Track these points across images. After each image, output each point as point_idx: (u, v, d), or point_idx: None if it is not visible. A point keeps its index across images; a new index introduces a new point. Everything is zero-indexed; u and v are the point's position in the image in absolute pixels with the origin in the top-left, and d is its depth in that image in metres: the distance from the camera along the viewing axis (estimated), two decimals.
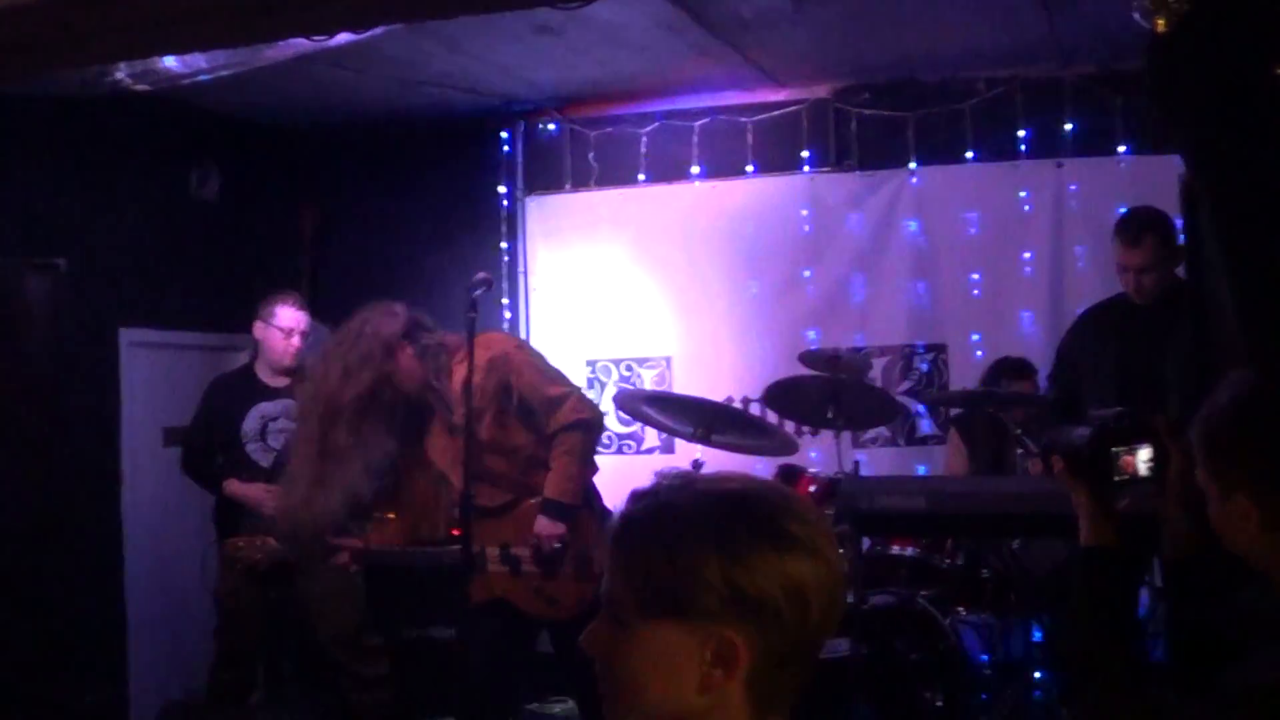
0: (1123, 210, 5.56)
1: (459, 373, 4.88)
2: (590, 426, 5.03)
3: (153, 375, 7.73)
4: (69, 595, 6.15)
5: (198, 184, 8.02)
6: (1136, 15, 3.29)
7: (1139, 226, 5.30)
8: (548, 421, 4.95)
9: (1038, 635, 5.94)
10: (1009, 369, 6.52)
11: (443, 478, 5.10)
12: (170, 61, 5.70)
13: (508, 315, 8.09)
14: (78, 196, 7.23)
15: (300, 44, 4.97)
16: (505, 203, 8.17)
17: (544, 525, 4.91)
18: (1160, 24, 3.49)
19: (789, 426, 7.22)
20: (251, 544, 5.97)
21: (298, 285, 7.49)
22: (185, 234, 7.99)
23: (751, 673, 1.67)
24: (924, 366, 7.42)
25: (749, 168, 7.78)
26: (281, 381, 6.51)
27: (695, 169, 7.87)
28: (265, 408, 6.47)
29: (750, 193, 7.78)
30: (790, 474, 6.24)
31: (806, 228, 7.66)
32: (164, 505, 7.66)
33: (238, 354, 7.88)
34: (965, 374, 7.17)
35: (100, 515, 7.27)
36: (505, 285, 8.05)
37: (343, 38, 4.41)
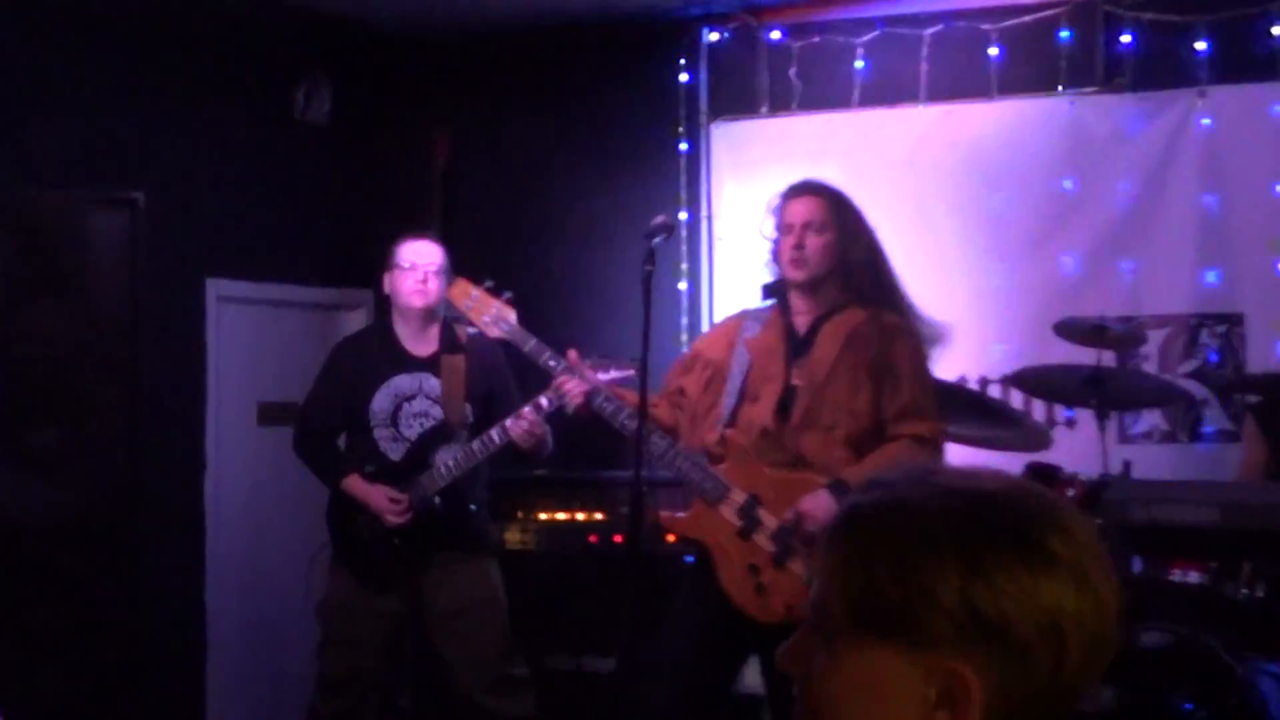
0: None
1: None
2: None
3: (246, 337, 7.87)
4: (144, 606, 6.28)
5: (305, 104, 8.15)
6: None
7: None
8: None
9: None
10: None
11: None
12: None
13: (684, 268, 8.16)
14: (160, 118, 7.34)
15: None
16: (683, 131, 8.19)
17: (818, 504, 5.05)
18: None
19: (1038, 414, 7.26)
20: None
21: (426, 229, 7.34)
22: (289, 165, 8.10)
23: None
24: (1213, 343, 7.37)
25: (992, 89, 7.72)
26: (426, 348, 6.52)
27: (924, 90, 7.82)
28: (401, 383, 6.48)
29: (993, 120, 7.73)
30: (1041, 474, 6.14)
31: (1064, 165, 7.62)
32: (258, 497, 7.83)
33: (351, 314, 8.26)
34: (1266, 353, 7.12)
35: (181, 508, 7.41)
36: (684, 233, 8.09)
37: None
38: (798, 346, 5.25)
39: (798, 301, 5.32)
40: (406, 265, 6.42)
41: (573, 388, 5.35)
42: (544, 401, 6.03)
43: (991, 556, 1.58)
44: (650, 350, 4.93)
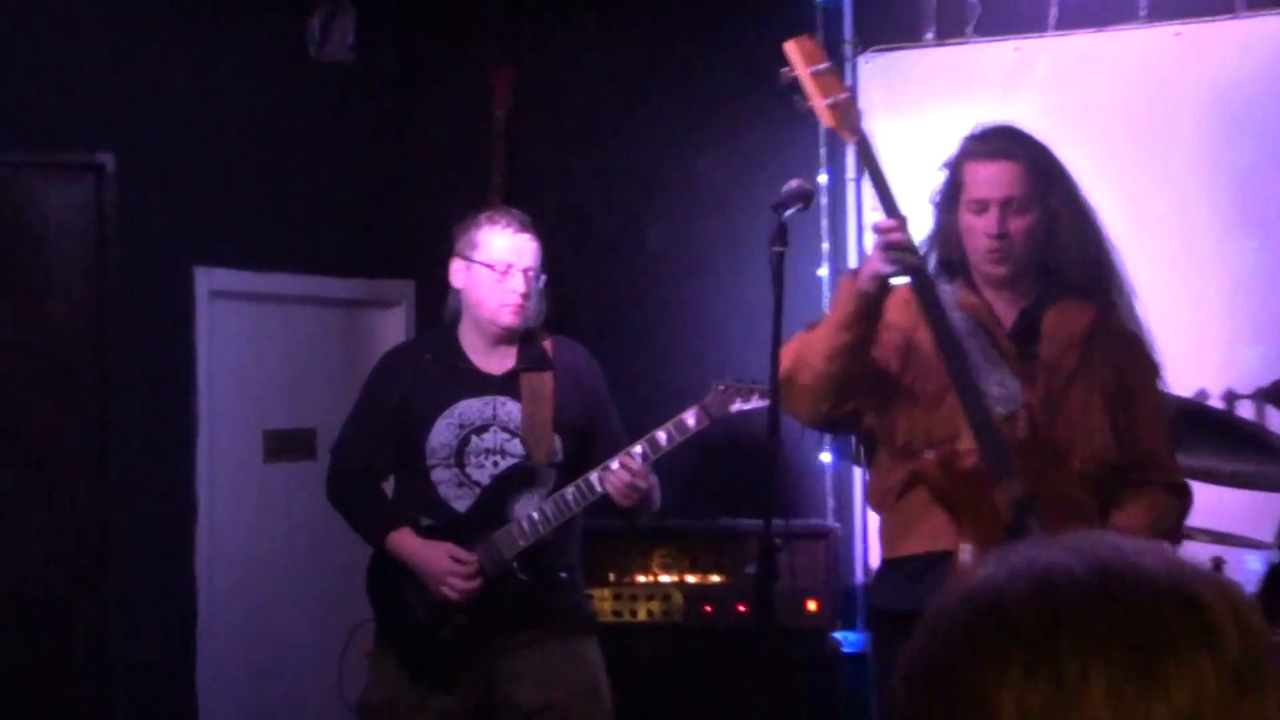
0: None
1: None
2: None
3: (249, 345, 7.74)
4: (113, 691, 6.34)
5: (322, 37, 7.98)
6: None
7: None
8: None
9: None
10: None
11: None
12: None
13: (824, 248, 7.76)
14: (132, 61, 7.22)
15: None
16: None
17: None
18: None
19: None
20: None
21: (485, 195, 7.48)
22: (302, 116, 7.99)
23: None
24: None
25: (1238, 2, 7.25)
26: (502, 363, 6.24)
27: (1144, 5, 7.35)
28: (469, 409, 6.19)
29: (1238, 44, 7.26)
30: None
31: None
32: (266, 554, 7.69)
33: (385, 312, 8.15)
34: None
35: (162, 568, 7.28)
36: (824, 201, 7.63)
37: None
38: (1013, 338, 5.02)
39: (989, 289, 5.05)
40: (499, 266, 6.13)
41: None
42: (661, 438, 5.92)
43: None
44: None
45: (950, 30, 7.70)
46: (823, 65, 4.95)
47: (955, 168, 5.05)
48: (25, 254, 6.19)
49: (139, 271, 6.94)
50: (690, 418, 5.89)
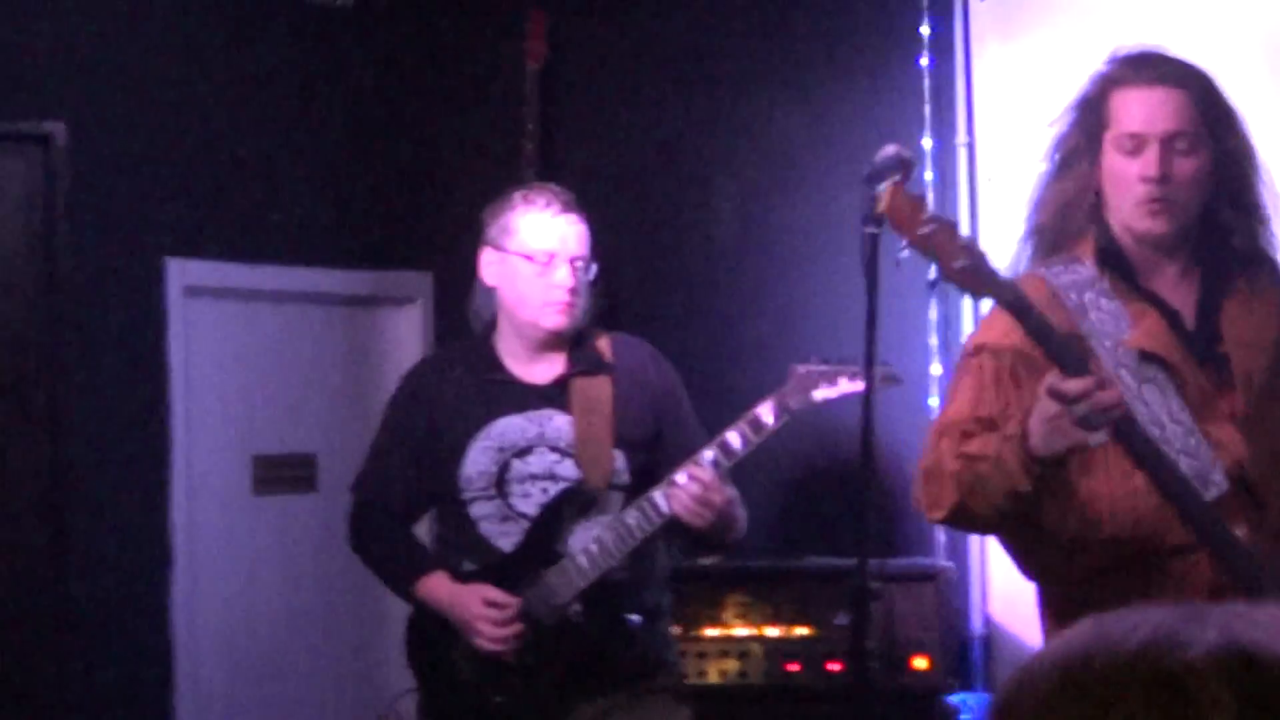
0: None
1: None
2: None
3: (232, 352, 7.67)
4: None
5: None
6: None
7: None
8: None
9: None
10: None
11: None
12: None
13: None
14: (91, 13, 7.16)
15: None
16: (927, 5, 7.59)
17: None
18: None
19: None
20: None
21: (516, 168, 7.41)
22: (295, 73, 7.92)
23: None
24: None
25: None
26: (547, 371, 6.11)
27: None
28: (511, 427, 6.07)
29: None
30: None
31: None
32: (260, 607, 7.63)
33: (397, 311, 8.07)
34: None
35: (131, 626, 7.16)
36: (929, 171, 7.39)
37: None
38: (1193, 340, 4.67)
39: (1144, 263, 4.71)
40: (539, 256, 5.97)
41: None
42: (734, 440, 5.76)
43: None
44: (882, 356, 4.75)
45: None
46: (928, 225, 4.44)
47: (1095, 100, 4.68)
48: None
49: (97, 264, 6.88)
50: (766, 412, 5.67)
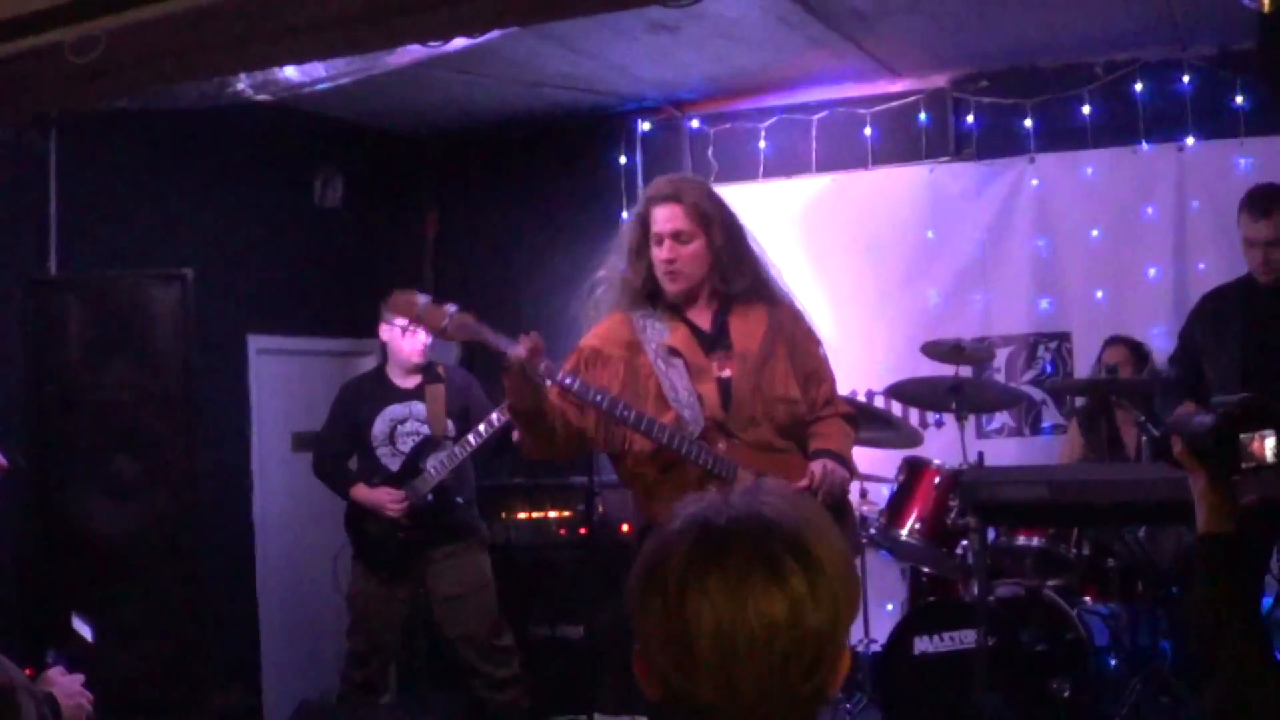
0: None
1: None
2: None
3: (281, 381, 7.76)
4: (204, 599, 6.15)
5: (322, 191, 8.06)
6: None
7: (1267, 200, 5.26)
8: None
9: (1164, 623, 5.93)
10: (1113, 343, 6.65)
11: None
12: (290, 71, 5.75)
13: None
14: (203, 207, 7.25)
15: (417, 50, 5.03)
16: (626, 204, 8.02)
17: (832, 468, 4.40)
18: (1266, 4, 3.50)
19: (913, 419, 7.28)
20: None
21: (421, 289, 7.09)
22: (310, 241, 8.00)
23: None
24: (1047, 356, 7.40)
25: (869, 160, 7.72)
26: (411, 382, 6.44)
27: (814, 163, 7.82)
28: (394, 410, 6.40)
29: (870, 184, 7.73)
30: (915, 466, 6.31)
31: (926, 219, 7.64)
32: (294, 509, 7.67)
33: (364, 359, 7.92)
34: (1089, 363, 7.04)
35: (233, 520, 7.30)
36: None
37: (459, 43, 4.50)
38: (704, 338, 4.49)
39: (683, 302, 4.53)
40: (403, 324, 6.27)
41: (520, 350, 4.10)
42: (495, 418, 6.05)
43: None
44: None
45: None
46: (421, 307, 4.27)
47: (643, 214, 4.44)
48: (141, 329, 6.01)
49: (211, 339, 6.75)
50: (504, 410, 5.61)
